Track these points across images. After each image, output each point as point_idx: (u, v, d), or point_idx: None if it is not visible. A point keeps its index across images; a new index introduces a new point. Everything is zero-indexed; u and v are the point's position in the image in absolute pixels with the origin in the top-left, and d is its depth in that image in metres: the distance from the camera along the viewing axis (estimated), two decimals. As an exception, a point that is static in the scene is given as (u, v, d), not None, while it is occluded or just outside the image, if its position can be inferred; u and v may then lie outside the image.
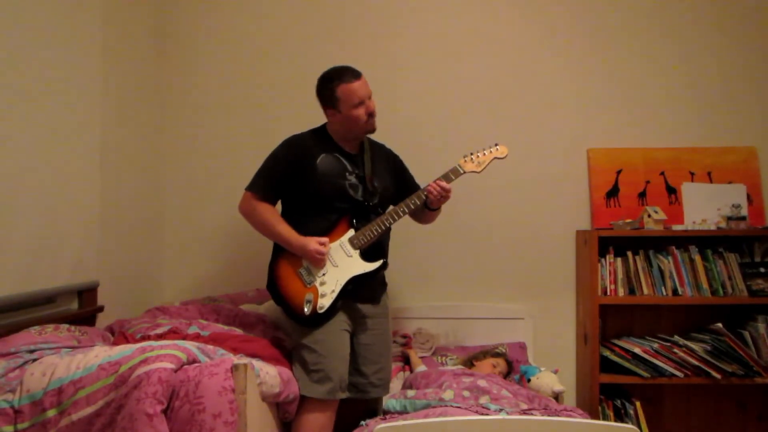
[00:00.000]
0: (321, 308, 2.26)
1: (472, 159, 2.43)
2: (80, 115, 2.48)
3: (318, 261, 2.26)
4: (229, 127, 3.28)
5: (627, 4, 3.20)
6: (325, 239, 2.28)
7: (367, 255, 2.32)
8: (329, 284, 2.28)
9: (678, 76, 3.18)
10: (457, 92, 3.23)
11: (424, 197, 2.37)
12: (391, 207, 2.43)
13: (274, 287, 2.33)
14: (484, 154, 2.44)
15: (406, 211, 2.35)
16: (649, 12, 3.20)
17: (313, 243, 2.25)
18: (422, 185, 2.46)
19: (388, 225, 2.33)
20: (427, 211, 2.48)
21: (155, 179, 3.20)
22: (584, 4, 3.22)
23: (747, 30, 3.17)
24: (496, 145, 2.46)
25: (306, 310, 2.25)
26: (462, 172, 2.41)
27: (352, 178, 2.36)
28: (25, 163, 2.16)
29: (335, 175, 2.33)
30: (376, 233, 2.31)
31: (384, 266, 2.35)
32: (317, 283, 2.28)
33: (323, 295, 2.27)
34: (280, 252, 2.34)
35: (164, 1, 3.26)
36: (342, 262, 2.30)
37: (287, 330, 2.44)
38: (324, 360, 2.24)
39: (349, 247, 2.31)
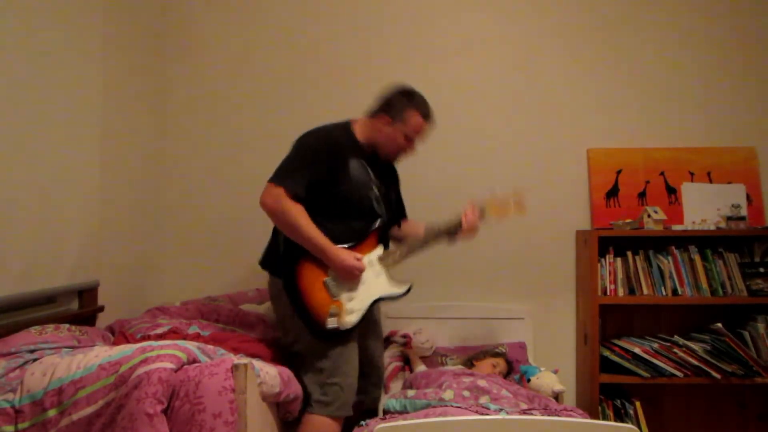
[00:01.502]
0: (346, 325, 2.17)
1: (496, 206, 2.39)
2: (80, 115, 2.48)
3: (353, 278, 2.18)
4: (230, 128, 3.28)
5: (627, 5, 3.20)
6: (360, 255, 2.20)
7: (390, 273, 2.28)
8: (357, 302, 2.20)
9: (678, 77, 3.18)
10: (456, 92, 3.23)
11: (458, 227, 2.32)
12: (422, 231, 2.37)
13: (295, 292, 2.17)
14: (507, 203, 2.39)
15: (434, 241, 2.31)
16: (649, 12, 3.20)
17: (351, 258, 2.16)
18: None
19: (415, 249, 2.29)
20: (442, 239, 2.39)
21: (155, 179, 3.20)
22: (584, 4, 3.22)
23: (747, 30, 3.17)
24: (521, 195, 2.40)
25: (329, 324, 2.14)
26: (485, 216, 2.39)
27: (375, 191, 2.30)
28: (25, 163, 2.16)
29: (363, 184, 2.25)
30: (403, 256, 2.26)
31: (409, 290, 2.30)
32: (344, 299, 2.18)
33: (350, 312, 2.18)
34: (302, 255, 2.18)
35: (164, 3, 3.26)
36: (370, 280, 2.23)
37: (290, 332, 2.30)
38: (339, 375, 2.18)
39: (378, 266, 2.25)
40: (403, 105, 2.25)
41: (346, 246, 2.20)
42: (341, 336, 2.19)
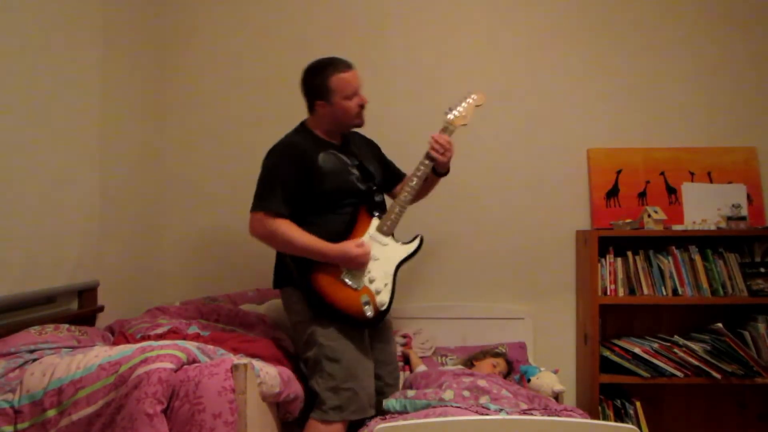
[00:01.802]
0: (383, 305, 2.20)
1: (455, 114, 2.37)
2: (80, 115, 2.48)
3: (363, 264, 2.19)
4: (230, 127, 3.28)
5: (627, 5, 3.20)
6: (360, 240, 2.20)
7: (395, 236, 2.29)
8: (380, 279, 2.21)
9: (678, 76, 3.18)
10: (456, 92, 3.22)
11: (430, 159, 2.30)
12: (404, 184, 2.38)
13: (323, 304, 2.18)
14: (464, 106, 2.39)
15: (419, 178, 2.29)
16: (649, 12, 3.19)
17: (353, 248, 2.16)
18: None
19: (407, 201, 2.28)
20: (432, 179, 2.41)
21: (155, 179, 3.20)
22: (584, 4, 3.21)
23: (747, 30, 3.16)
24: (471, 93, 2.41)
25: (368, 313, 2.17)
26: (453, 129, 2.36)
27: (355, 171, 2.31)
28: (25, 163, 2.16)
29: (340, 171, 2.26)
30: (400, 213, 2.27)
31: (422, 243, 2.30)
32: (367, 283, 2.20)
33: (378, 292, 2.20)
34: (312, 265, 2.19)
35: (164, 2, 3.26)
36: (381, 252, 2.23)
37: (303, 339, 2.28)
38: (353, 379, 2.17)
39: (380, 236, 2.25)
40: (322, 80, 2.24)
41: (343, 238, 2.21)
42: (379, 322, 2.23)
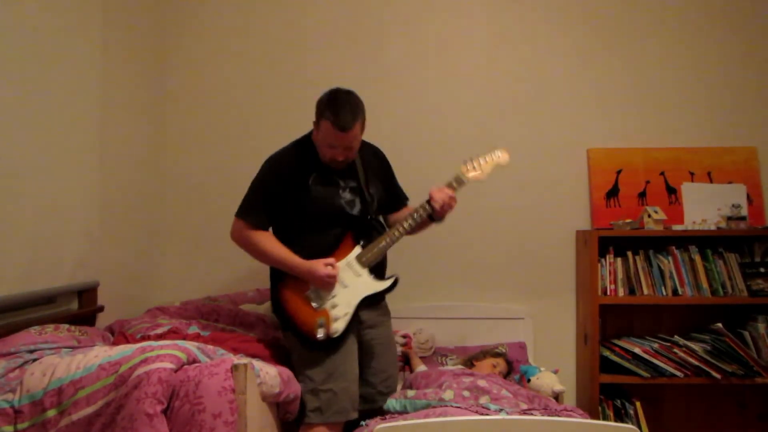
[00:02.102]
0: (335, 332, 2.18)
1: (474, 167, 2.29)
2: (80, 114, 2.48)
3: (329, 285, 2.18)
4: (230, 127, 3.28)
5: (627, 5, 3.20)
6: (331, 260, 2.18)
7: (373, 270, 2.25)
8: (341, 307, 2.20)
9: (678, 77, 3.18)
10: (456, 92, 3.23)
11: (429, 208, 2.24)
12: (395, 221, 2.34)
13: (282, 312, 2.24)
14: (486, 161, 2.30)
15: (412, 225, 2.24)
16: (650, 12, 3.20)
17: (321, 267, 2.15)
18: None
19: (393, 241, 2.24)
20: (427, 223, 2.33)
21: (155, 179, 3.20)
22: (585, 5, 3.21)
23: (747, 30, 3.17)
24: (496, 151, 2.32)
25: (319, 335, 2.16)
26: (465, 182, 2.28)
27: (347, 194, 2.27)
28: (25, 162, 2.16)
29: (329, 195, 2.24)
30: (385, 248, 2.24)
31: (395, 284, 2.27)
32: (328, 307, 2.19)
33: (336, 319, 2.18)
34: (282, 276, 2.24)
35: (164, 2, 3.27)
36: (352, 282, 2.22)
37: (287, 345, 2.34)
38: (331, 381, 2.18)
39: (357, 266, 2.23)
40: (320, 112, 2.18)
41: (325, 256, 2.19)
42: (334, 344, 2.20)
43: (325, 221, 2.25)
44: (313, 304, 2.20)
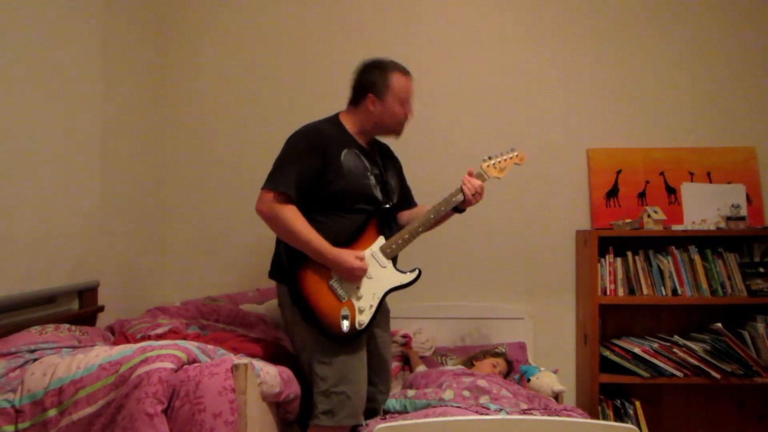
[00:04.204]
0: (361, 325, 2.10)
1: (494, 165, 2.29)
2: (80, 114, 2.48)
3: (357, 278, 2.11)
4: (230, 127, 3.28)
5: (627, 4, 3.21)
6: (361, 253, 2.12)
7: (394, 262, 2.20)
8: (366, 299, 2.12)
9: (678, 77, 3.18)
10: (456, 92, 3.24)
11: (461, 197, 2.20)
12: (408, 219, 2.32)
13: (303, 303, 2.11)
14: (505, 159, 2.31)
15: (440, 214, 2.20)
16: (650, 12, 3.20)
17: (352, 259, 2.08)
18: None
19: (420, 232, 2.20)
20: (449, 215, 2.30)
21: (155, 179, 3.20)
22: (585, 4, 3.22)
23: (747, 30, 3.17)
24: (514, 150, 2.33)
25: (344, 327, 2.08)
26: (487, 178, 2.27)
27: (372, 178, 2.22)
28: (26, 162, 2.16)
29: (359, 174, 2.18)
30: (408, 240, 2.19)
31: (419, 276, 2.21)
32: (353, 298, 2.12)
33: (361, 311, 2.11)
34: (304, 261, 2.12)
35: (164, 1, 3.27)
36: (376, 273, 2.15)
37: (296, 341, 2.25)
38: (345, 383, 2.11)
39: (381, 257, 2.17)
40: (381, 76, 2.20)
41: (346, 244, 2.14)
42: (354, 339, 2.13)
43: (351, 201, 2.17)
44: (339, 295, 2.11)
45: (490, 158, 2.31)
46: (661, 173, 3.13)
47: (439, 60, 3.24)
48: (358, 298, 2.13)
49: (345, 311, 2.10)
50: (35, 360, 1.90)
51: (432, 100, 3.23)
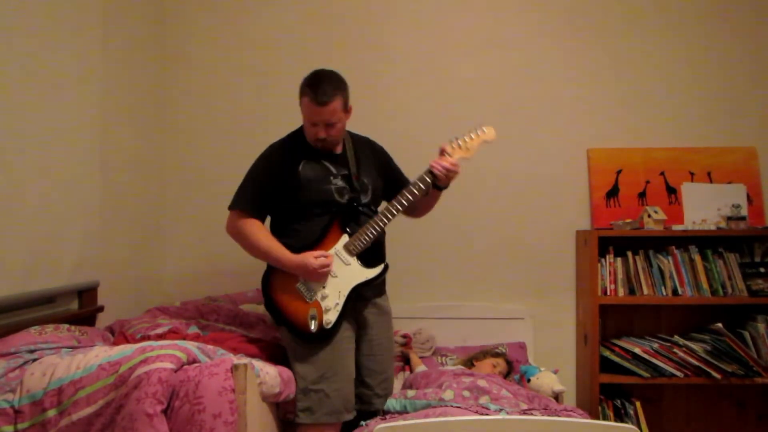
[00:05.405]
0: (328, 324, 2.16)
1: (459, 145, 2.27)
2: (80, 115, 2.48)
3: (322, 276, 2.16)
4: (230, 127, 3.28)
5: (627, 4, 3.20)
6: (321, 252, 2.17)
7: (365, 259, 2.22)
8: (332, 297, 2.18)
9: (678, 77, 3.18)
10: (457, 92, 3.23)
11: (430, 179, 2.21)
12: (384, 205, 2.32)
13: (273, 307, 2.22)
14: (471, 138, 2.28)
15: (404, 204, 2.21)
16: (650, 12, 3.20)
17: (311, 260, 2.13)
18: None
19: (383, 225, 2.22)
20: (427, 195, 2.29)
21: (155, 179, 3.20)
22: (585, 4, 3.21)
23: (747, 30, 3.17)
24: (482, 127, 2.30)
25: (312, 327, 2.15)
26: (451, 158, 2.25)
27: (338, 181, 2.26)
28: (25, 162, 2.16)
29: (319, 180, 2.24)
30: (371, 236, 2.20)
31: (385, 270, 2.26)
32: (318, 298, 2.18)
33: (327, 310, 2.17)
34: (271, 271, 2.24)
35: (165, 1, 3.26)
36: (341, 271, 2.20)
37: (283, 342, 2.31)
38: (323, 381, 2.16)
39: (345, 254, 2.20)
40: (300, 90, 2.22)
41: (311, 247, 2.18)
42: (328, 338, 2.18)
43: (313, 209, 2.24)
44: (304, 296, 2.18)
45: (456, 138, 2.30)
46: (662, 173, 3.13)
47: (439, 60, 3.23)
48: (324, 298, 2.19)
49: (312, 311, 2.17)
50: (35, 360, 1.90)
51: (432, 99, 3.23)
